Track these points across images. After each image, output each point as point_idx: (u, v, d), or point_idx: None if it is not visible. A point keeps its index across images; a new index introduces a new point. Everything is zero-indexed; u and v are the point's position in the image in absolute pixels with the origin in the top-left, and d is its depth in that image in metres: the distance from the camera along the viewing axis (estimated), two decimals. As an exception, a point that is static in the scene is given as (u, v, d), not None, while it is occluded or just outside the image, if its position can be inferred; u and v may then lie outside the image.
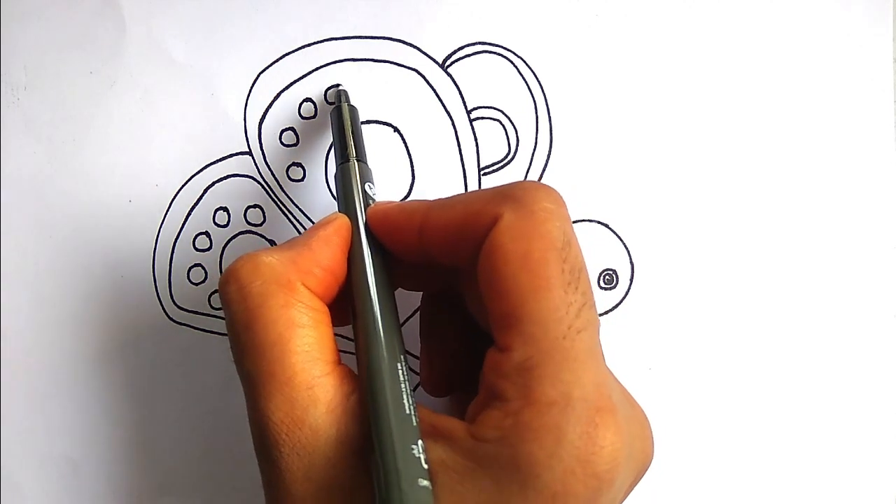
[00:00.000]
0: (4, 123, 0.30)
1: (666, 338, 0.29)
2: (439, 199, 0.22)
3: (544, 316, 0.18)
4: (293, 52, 0.29)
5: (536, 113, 0.29)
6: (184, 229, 0.29)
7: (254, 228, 0.29)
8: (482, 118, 0.29)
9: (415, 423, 0.19)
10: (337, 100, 0.27)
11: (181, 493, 0.30)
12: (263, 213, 0.29)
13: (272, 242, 0.29)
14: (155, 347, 0.29)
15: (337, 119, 0.26)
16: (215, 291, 0.29)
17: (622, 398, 0.19)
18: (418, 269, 0.24)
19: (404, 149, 0.29)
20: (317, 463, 0.19)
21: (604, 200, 0.29)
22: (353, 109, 0.27)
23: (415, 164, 0.29)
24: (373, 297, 0.21)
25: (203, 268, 0.29)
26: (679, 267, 0.29)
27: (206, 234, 0.29)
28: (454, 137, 0.29)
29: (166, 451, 0.30)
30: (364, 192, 0.24)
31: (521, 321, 0.18)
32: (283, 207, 0.29)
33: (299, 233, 0.29)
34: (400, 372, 0.20)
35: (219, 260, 0.29)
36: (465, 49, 0.29)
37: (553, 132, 0.29)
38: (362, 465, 0.19)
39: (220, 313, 0.29)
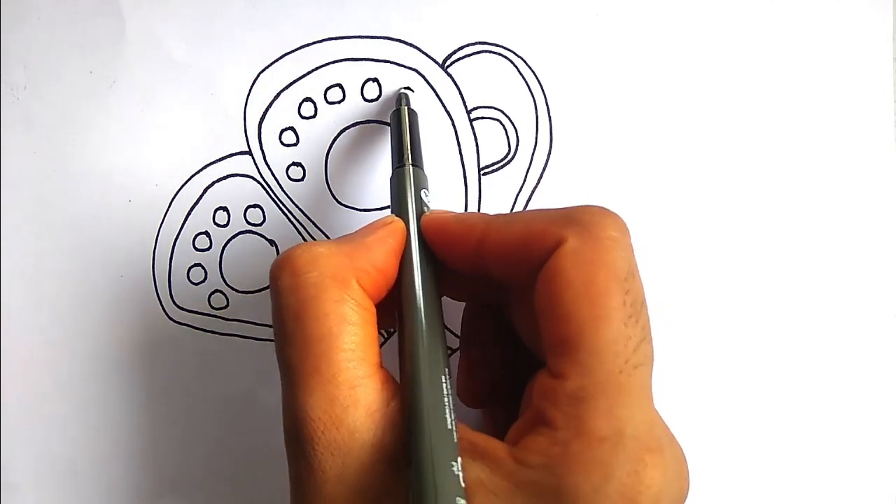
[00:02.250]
0: (4, 123, 0.30)
1: (666, 337, 0.29)
2: (500, 215, 0.21)
3: (602, 347, 0.18)
4: (293, 51, 0.29)
5: (536, 113, 0.29)
6: (184, 229, 0.29)
7: (254, 228, 0.29)
8: (482, 118, 0.29)
9: (455, 440, 0.19)
10: (398, 102, 0.27)
11: (181, 493, 0.30)
12: (263, 212, 0.29)
13: (272, 242, 0.29)
14: (154, 347, 0.29)
15: (396, 122, 0.26)
16: (215, 291, 0.29)
17: (667, 436, 0.19)
18: (467, 280, 0.23)
19: (404, 149, 0.29)
20: (350, 465, 0.18)
21: (604, 200, 0.29)
22: (413, 114, 0.27)
23: (415, 164, 0.29)
24: (421, 306, 0.21)
25: (203, 268, 0.29)
26: (679, 266, 0.29)
27: (206, 233, 0.29)
28: (454, 137, 0.29)
29: (166, 452, 0.30)
30: (419, 198, 0.23)
31: (577, 350, 0.18)
32: (282, 207, 0.29)
33: (299, 233, 0.29)
34: (444, 385, 0.19)
35: (218, 260, 0.29)
36: (465, 49, 0.29)
37: (553, 132, 0.29)
38: (395, 473, 0.18)
39: (220, 313, 0.30)
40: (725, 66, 0.29)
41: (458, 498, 0.17)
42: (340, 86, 0.29)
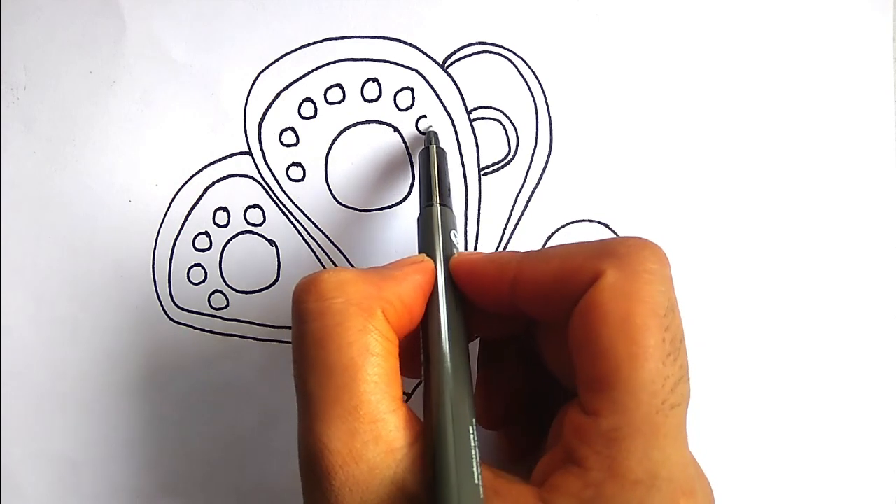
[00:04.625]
0: (4, 123, 0.30)
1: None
2: (532, 252, 0.21)
3: (639, 386, 0.17)
4: (293, 51, 0.29)
5: (536, 113, 0.29)
6: (184, 229, 0.29)
7: (254, 228, 0.29)
8: (482, 118, 0.29)
9: (481, 495, 0.18)
10: (427, 141, 0.27)
11: (181, 493, 0.30)
12: (263, 213, 0.29)
13: (272, 242, 0.29)
14: (154, 347, 0.29)
15: (425, 161, 0.26)
16: (215, 291, 0.29)
17: (698, 474, 0.19)
18: (495, 319, 0.23)
19: (404, 149, 0.29)
20: (369, 502, 0.18)
21: (604, 200, 0.29)
22: (441, 152, 0.26)
23: (415, 164, 0.29)
24: (448, 351, 0.20)
25: (203, 268, 0.29)
26: (679, 266, 0.29)
27: (206, 233, 0.29)
28: (454, 137, 0.29)
29: (166, 452, 0.30)
30: (448, 239, 0.23)
31: (613, 388, 0.17)
32: (282, 207, 0.29)
33: (299, 233, 0.29)
34: (471, 437, 0.19)
35: (218, 260, 0.29)
36: (465, 49, 0.29)
37: (553, 132, 0.29)
38: None
39: (220, 313, 0.30)
40: (726, 66, 0.29)
41: None
42: (340, 86, 0.29)
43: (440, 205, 0.24)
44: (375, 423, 0.18)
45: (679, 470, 0.17)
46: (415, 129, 0.29)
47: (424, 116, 0.29)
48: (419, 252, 0.23)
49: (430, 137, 0.27)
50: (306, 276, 0.20)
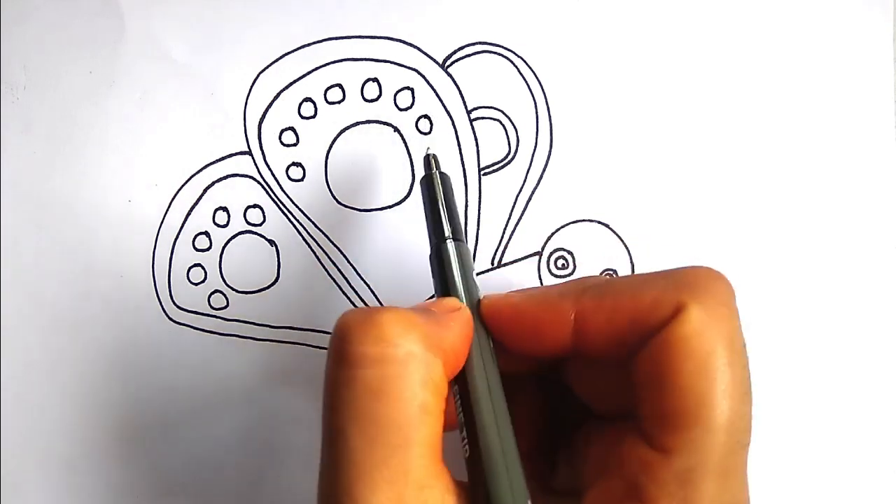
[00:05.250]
0: (4, 123, 0.30)
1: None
2: (587, 286, 0.19)
3: (718, 426, 0.17)
4: (293, 51, 0.29)
5: (536, 113, 0.29)
6: (183, 229, 0.29)
7: (254, 228, 0.29)
8: (482, 118, 0.29)
9: None
10: (427, 167, 0.24)
11: (181, 493, 0.30)
12: (263, 213, 0.29)
13: (272, 242, 0.29)
14: (154, 347, 0.29)
15: (429, 190, 0.24)
16: (215, 291, 0.29)
17: None
18: (520, 357, 0.21)
19: (404, 149, 0.29)
20: None
21: (604, 200, 0.29)
22: (444, 178, 0.24)
23: (415, 164, 0.29)
24: (495, 414, 0.19)
25: (203, 268, 0.29)
26: (677, 264, 0.29)
27: (206, 233, 0.29)
28: (454, 137, 0.29)
29: (166, 452, 0.30)
30: (471, 279, 0.22)
31: (692, 427, 0.17)
32: (282, 207, 0.29)
33: (299, 233, 0.29)
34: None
35: (218, 260, 0.29)
36: (465, 49, 0.29)
37: (553, 132, 0.29)
38: None
39: (220, 313, 0.29)
40: (726, 66, 0.29)
41: None
42: (340, 86, 0.29)
43: (454, 240, 0.22)
44: (423, 490, 0.17)
45: None
46: (415, 129, 0.29)
47: (425, 116, 0.29)
48: (438, 295, 0.22)
49: (430, 161, 0.25)
50: (354, 312, 0.18)
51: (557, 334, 0.19)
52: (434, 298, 0.22)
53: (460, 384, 0.19)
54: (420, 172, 0.29)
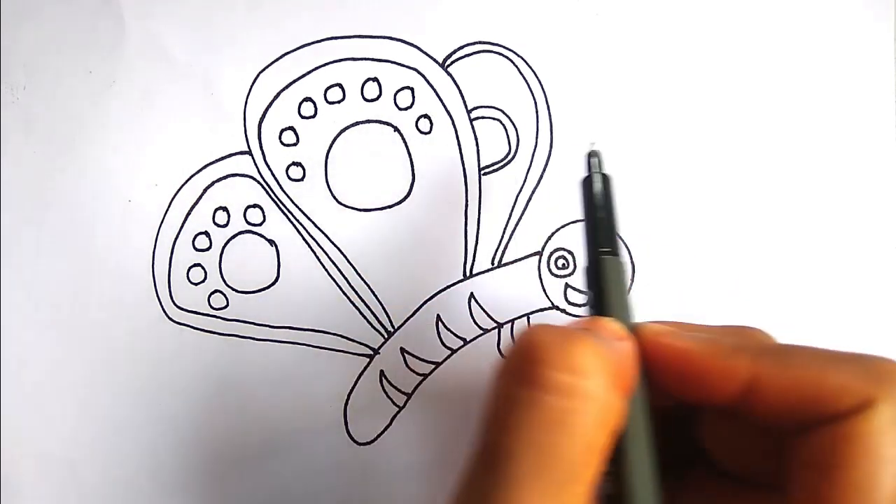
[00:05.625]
0: (4, 123, 0.30)
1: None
2: (765, 351, 0.19)
3: None
4: (293, 51, 0.29)
5: (536, 113, 0.29)
6: (183, 229, 0.29)
7: (253, 228, 0.29)
8: (482, 118, 0.29)
9: None
10: (588, 166, 0.22)
11: (181, 492, 0.30)
12: (263, 212, 0.29)
13: (272, 242, 0.29)
14: (154, 347, 0.29)
15: (588, 195, 0.22)
16: (215, 291, 0.29)
17: None
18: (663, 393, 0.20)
19: (404, 148, 0.29)
20: None
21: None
22: (607, 181, 0.22)
23: (415, 164, 0.29)
24: (647, 457, 0.18)
25: (203, 268, 0.29)
26: (679, 267, 0.29)
27: (206, 233, 0.29)
28: (454, 137, 0.29)
29: (166, 452, 0.30)
30: (628, 303, 0.20)
31: None
32: (282, 207, 0.29)
33: (299, 233, 0.29)
34: None
35: (218, 260, 0.29)
36: (465, 49, 0.29)
37: (553, 132, 0.29)
38: None
39: (220, 313, 0.29)
40: (726, 66, 0.29)
41: None
42: (340, 86, 0.29)
43: (613, 254, 0.21)
44: None
45: None
46: (415, 128, 0.29)
47: (425, 116, 0.29)
48: (593, 313, 0.20)
49: (592, 161, 0.22)
50: (547, 331, 0.17)
51: (725, 390, 0.18)
52: (590, 318, 0.20)
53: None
54: (420, 172, 0.29)
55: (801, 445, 0.18)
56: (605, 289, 0.20)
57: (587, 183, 0.22)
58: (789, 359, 0.18)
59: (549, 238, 0.29)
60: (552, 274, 0.29)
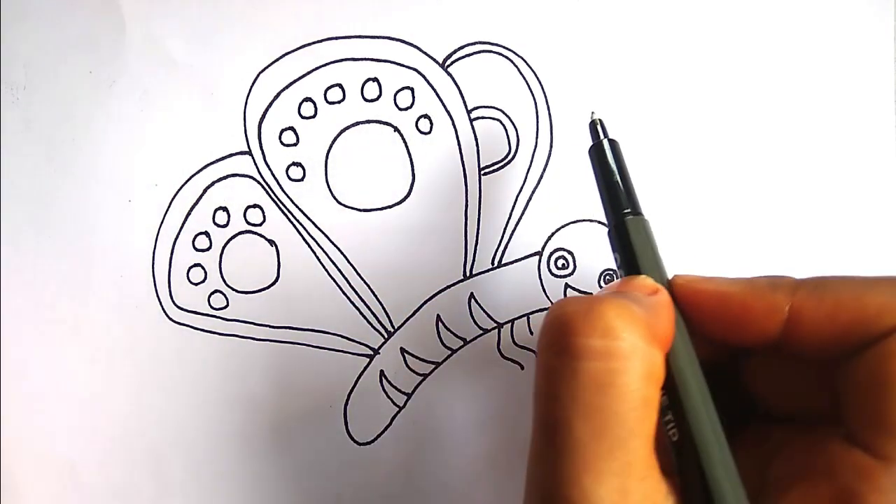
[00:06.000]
0: (4, 123, 0.30)
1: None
2: (802, 283, 0.19)
3: None
4: (293, 51, 0.29)
5: (536, 113, 0.29)
6: (183, 229, 0.29)
7: (253, 228, 0.29)
8: (482, 118, 0.29)
9: None
10: (594, 133, 0.23)
11: (181, 493, 0.30)
12: (263, 212, 0.29)
13: (272, 242, 0.29)
14: (154, 347, 0.29)
15: (599, 160, 0.22)
16: (215, 291, 0.29)
17: None
18: (706, 342, 0.20)
19: (404, 148, 0.29)
20: None
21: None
22: (614, 145, 0.23)
23: (415, 164, 0.29)
24: (702, 396, 0.18)
25: (203, 268, 0.29)
26: (679, 267, 0.29)
27: (206, 233, 0.29)
28: (454, 137, 0.29)
29: (166, 452, 0.30)
30: (658, 257, 0.21)
31: None
32: (282, 207, 0.29)
33: (299, 233, 0.29)
34: (742, 492, 0.18)
35: (218, 260, 0.29)
36: (465, 49, 0.29)
37: (553, 132, 0.29)
38: None
39: (220, 313, 0.29)
40: (726, 66, 0.29)
41: None
42: (340, 86, 0.29)
43: (635, 214, 0.21)
44: (644, 482, 0.17)
45: None
46: (415, 128, 0.29)
47: (425, 116, 0.29)
48: (625, 273, 0.21)
49: (596, 128, 0.23)
50: (574, 302, 0.18)
51: (767, 325, 0.19)
52: (622, 279, 0.21)
53: (667, 372, 0.19)
54: (420, 172, 0.29)
55: (850, 372, 0.18)
56: (633, 247, 0.21)
57: (598, 150, 0.23)
58: (827, 288, 0.19)
59: (549, 238, 0.29)
60: (552, 274, 0.29)
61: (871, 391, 0.18)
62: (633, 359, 0.17)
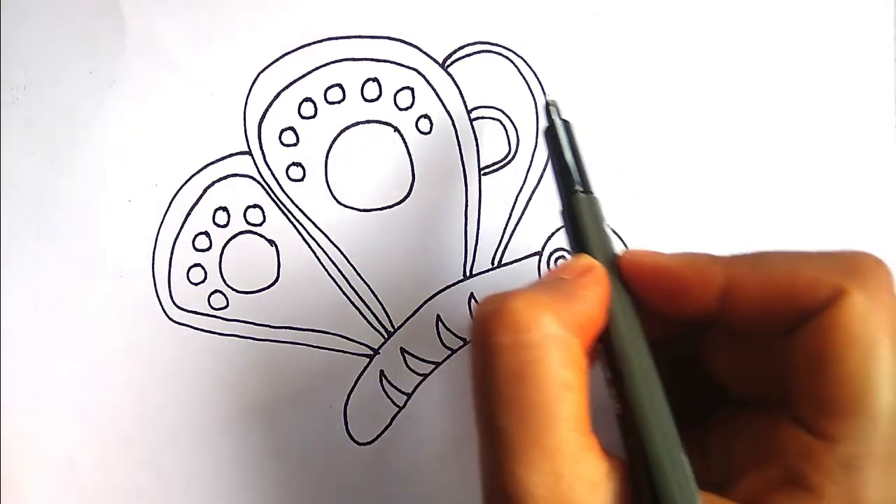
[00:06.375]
0: (4, 123, 0.30)
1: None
2: (739, 258, 0.20)
3: (884, 415, 0.17)
4: (293, 51, 0.29)
5: (536, 113, 0.29)
6: (183, 229, 0.29)
7: (253, 228, 0.29)
8: (482, 118, 0.29)
9: None
10: (548, 115, 0.24)
11: (181, 493, 0.30)
12: (263, 213, 0.29)
13: (272, 242, 0.29)
14: (154, 347, 0.29)
15: (553, 139, 0.23)
16: (215, 291, 0.29)
17: None
18: (663, 321, 0.21)
19: (404, 148, 0.29)
20: None
21: (603, 200, 0.29)
22: (568, 125, 0.24)
23: (415, 164, 0.29)
24: (641, 370, 0.19)
25: (203, 268, 0.29)
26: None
27: (206, 233, 0.29)
28: (454, 137, 0.29)
29: (166, 452, 0.30)
30: (605, 234, 0.21)
31: (856, 414, 0.17)
32: (282, 207, 0.29)
33: (299, 233, 0.29)
34: (684, 461, 0.18)
35: (218, 260, 0.29)
36: (465, 49, 0.29)
37: (553, 132, 0.29)
38: None
39: (220, 313, 0.29)
40: (726, 66, 0.29)
41: None
42: (340, 86, 0.29)
43: (585, 192, 0.22)
44: (578, 464, 0.17)
45: None
46: (415, 128, 0.29)
47: (425, 116, 0.29)
48: (573, 249, 0.22)
49: (550, 110, 0.24)
50: (493, 299, 0.18)
51: (703, 297, 0.19)
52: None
53: (605, 343, 0.20)
54: (420, 172, 0.29)
55: (790, 350, 0.18)
56: (580, 225, 0.22)
57: (552, 131, 0.24)
58: (762, 260, 0.19)
59: (549, 238, 0.29)
60: (552, 274, 0.29)
61: (808, 370, 0.18)
62: (544, 348, 0.17)
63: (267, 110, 0.29)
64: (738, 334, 0.21)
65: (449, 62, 0.29)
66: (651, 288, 0.20)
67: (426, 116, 0.29)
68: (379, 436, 0.29)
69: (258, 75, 0.29)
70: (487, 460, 0.18)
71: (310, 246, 0.29)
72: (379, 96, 0.29)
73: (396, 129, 0.29)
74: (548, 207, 0.29)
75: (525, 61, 0.29)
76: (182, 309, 0.29)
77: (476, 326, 0.18)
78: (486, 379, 0.18)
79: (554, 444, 0.17)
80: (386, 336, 0.29)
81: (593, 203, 0.22)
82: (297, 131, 0.29)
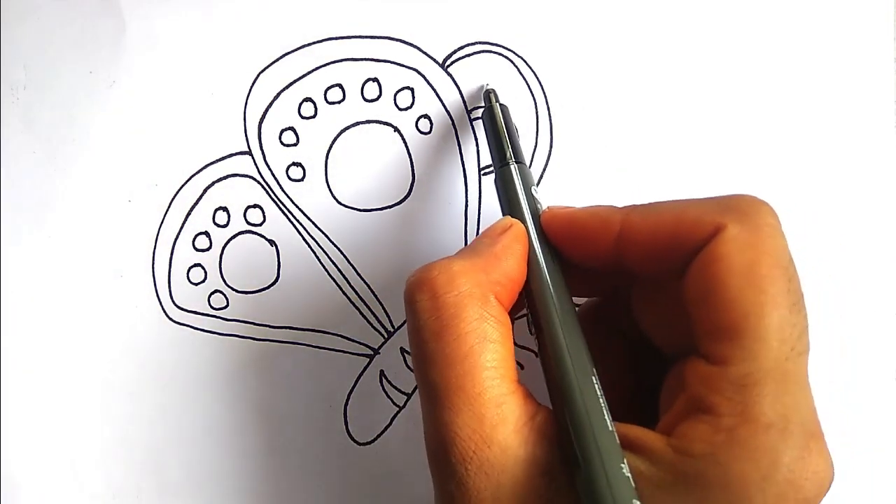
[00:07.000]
0: (4, 123, 0.30)
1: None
2: (633, 207, 0.21)
3: (769, 334, 0.18)
4: (293, 51, 0.29)
5: (536, 113, 0.29)
6: (183, 229, 0.29)
7: (253, 228, 0.29)
8: (482, 118, 0.29)
9: (617, 441, 0.18)
10: (487, 100, 0.27)
11: (182, 493, 0.30)
12: (263, 212, 0.29)
13: (272, 242, 0.29)
14: (154, 347, 0.29)
15: (490, 119, 0.26)
16: (215, 291, 0.29)
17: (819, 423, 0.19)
18: (587, 275, 0.23)
19: (404, 148, 0.29)
20: (505, 483, 0.18)
21: (604, 200, 0.29)
22: (504, 108, 0.27)
23: (415, 164, 0.29)
24: (558, 310, 0.21)
25: (203, 268, 0.29)
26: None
27: (206, 233, 0.29)
28: (454, 137, 0.29)
29: (166, 451, 0.30)
30: (531, 195, 0.23)
31: (743, 335, 0.18)
32: (282, 207, 0.29)
33: (299, 233, 0.29)
34: (596, 387, 0.19)
35: (218, 260, 0.29)
36: (465, 49, 0.29)
37: (553, 132, 0.29)
38: (550, 485, 0.18)
39: (220, 313, 0.29)
40: (726, 65, 0.29)
41: (634, 501, 0.17)
42: (340, 86, 0.29)
43: (517, 162, 0.24)
44: (500, 407, 0.19)
45: (809, 414, 0.18)
46: (415, 128, 0.29)
47: (425, 116, 0.29)
48: (504, 214, 0.23)
49: (489, 96, 0.27)
50: (417, 271, 0.21)
51: (602, 242, 0.21)
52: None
53: (527, 293, 0.21)
54: (420, 172, 0.29)
55: (686, 288, 0.19)
56: (507, 189, 0.24)
57: (489, 112, 0.26)
58: (654, 206, 0.21)
59: (549, 238, 0.29)
60: (552, 274, 0.29)
61: (698, 302, 0.19)
62: (460, 306, 0.20)
63: (267, 110, 0.29)
64: (651, 286, 0.22)
65: (449, 62, 0.29)
66: (565, 238, 0.22)
67: (426, 116, 0.29)
68: (379, 436, 0.29)
69: (258, 75, 0.29)
70: (425, 414, 0.20)
71: (310, 246, 0.29)
72: (379, 96, 0.29)
73: (396, 129, 0.29)
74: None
75: (525, 61, 0.29)
76: (182, 309, 0.29)
77: (405, 295, 0.21)
78: (414, 339, 0.20)
79: (476, 390, 0.19)
80: (386, 336, 0.29)
81: (524, 171, 0.24)
82: (297, 131, 0.29)
